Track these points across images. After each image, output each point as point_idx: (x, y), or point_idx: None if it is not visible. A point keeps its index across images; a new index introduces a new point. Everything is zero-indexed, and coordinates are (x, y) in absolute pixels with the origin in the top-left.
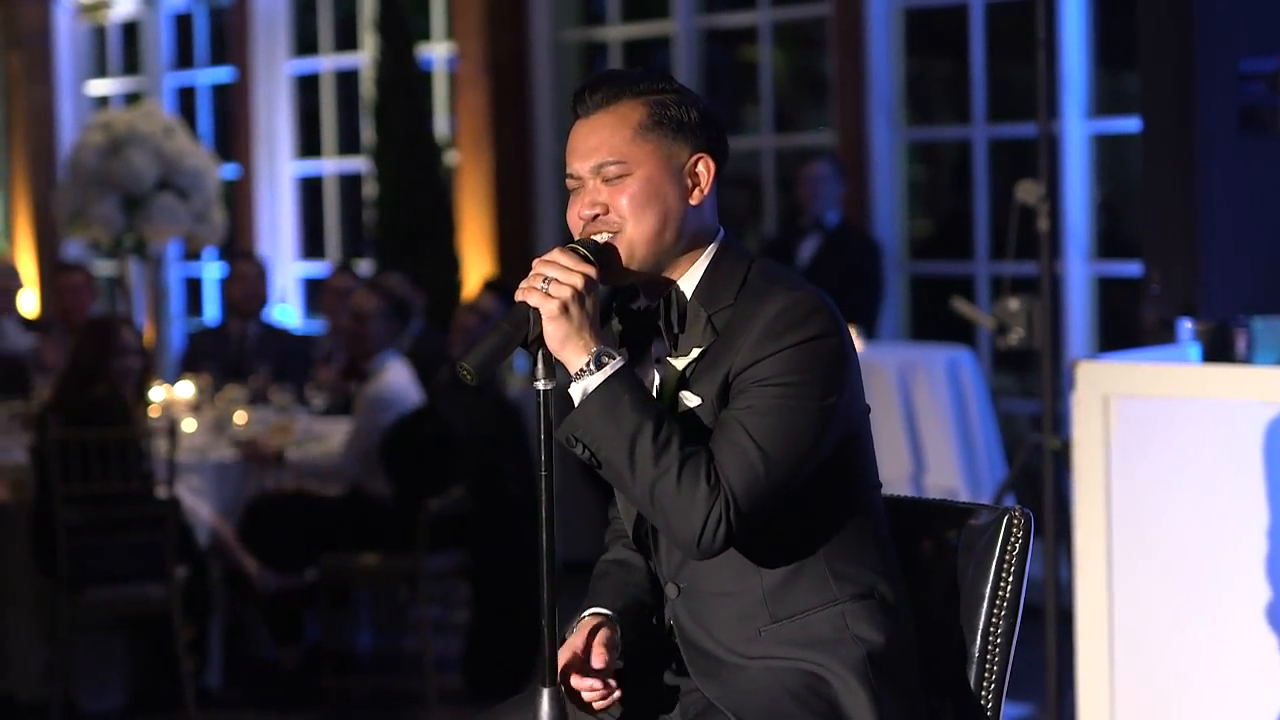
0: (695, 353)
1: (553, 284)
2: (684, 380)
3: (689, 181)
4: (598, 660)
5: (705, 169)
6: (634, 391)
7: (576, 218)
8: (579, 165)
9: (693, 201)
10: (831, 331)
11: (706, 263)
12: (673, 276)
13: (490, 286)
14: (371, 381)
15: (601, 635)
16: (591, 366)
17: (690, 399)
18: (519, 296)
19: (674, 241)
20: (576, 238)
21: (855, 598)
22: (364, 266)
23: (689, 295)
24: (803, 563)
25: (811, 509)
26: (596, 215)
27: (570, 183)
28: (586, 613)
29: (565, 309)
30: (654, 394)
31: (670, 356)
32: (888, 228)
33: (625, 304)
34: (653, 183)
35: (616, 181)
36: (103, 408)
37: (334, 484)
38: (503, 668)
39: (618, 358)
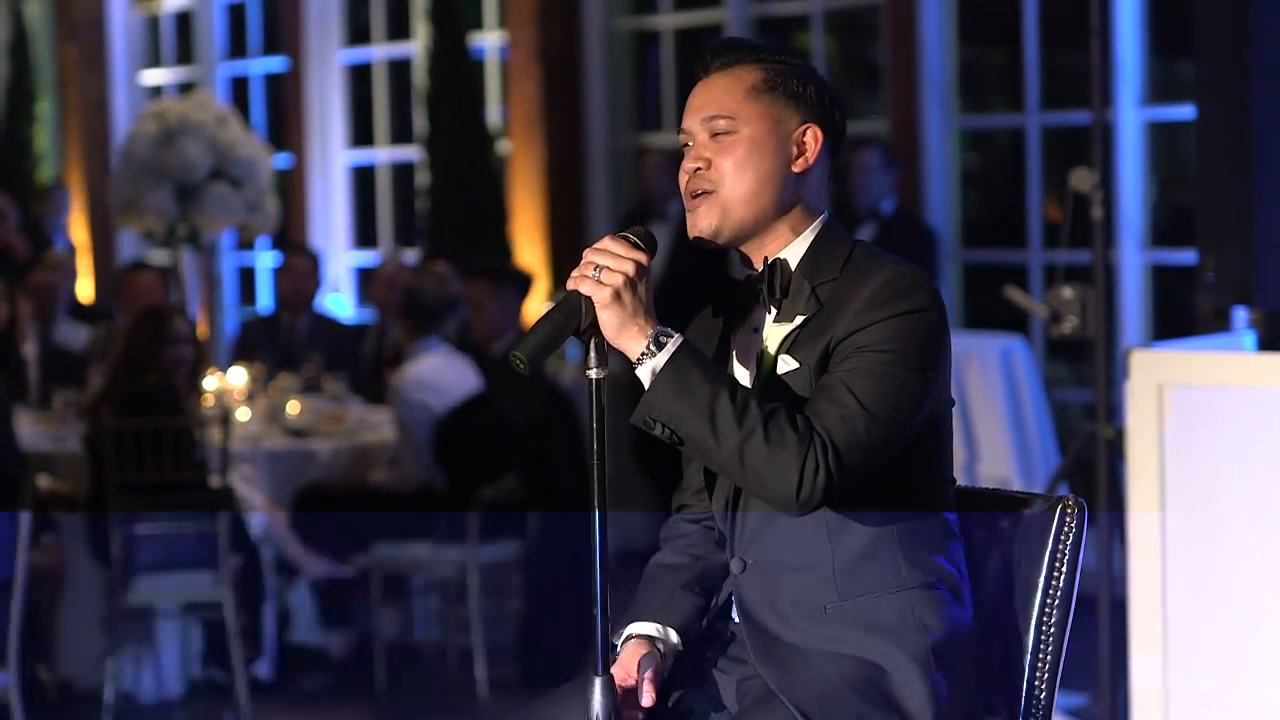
0: (799, 320)
1: (604, 272)
2: (786, 345)
3: (794, 149)
4: (647, 699)
5: (814, 139)
6: (701, 364)
7: (684, 172)
8: (690, 121)
9: (795, 169)
10: (934, 307)
11: (812, 238)
12: (775, 245)
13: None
14: (399, 371)
15: (650, 671)
16: (652, 348)
17: (789, 362)
18: (570, 285)
19: (772, 205)
20: (684, 190)
21: (924, 586)
22: (411, 255)
23: (793, 266)
24: (876, 543)
25: (890, 490)
26: (699, 169)
27: (683, 138)
28: (633, 629)
29: (617, 296)
30: (755, 359)
31: (773, 321)
32: (940, 216)
33: (726, 276)
34: (756, 143)
35: (723, 138)
36: (155, 396)
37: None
38: (555, 657)
39: (676, 335)
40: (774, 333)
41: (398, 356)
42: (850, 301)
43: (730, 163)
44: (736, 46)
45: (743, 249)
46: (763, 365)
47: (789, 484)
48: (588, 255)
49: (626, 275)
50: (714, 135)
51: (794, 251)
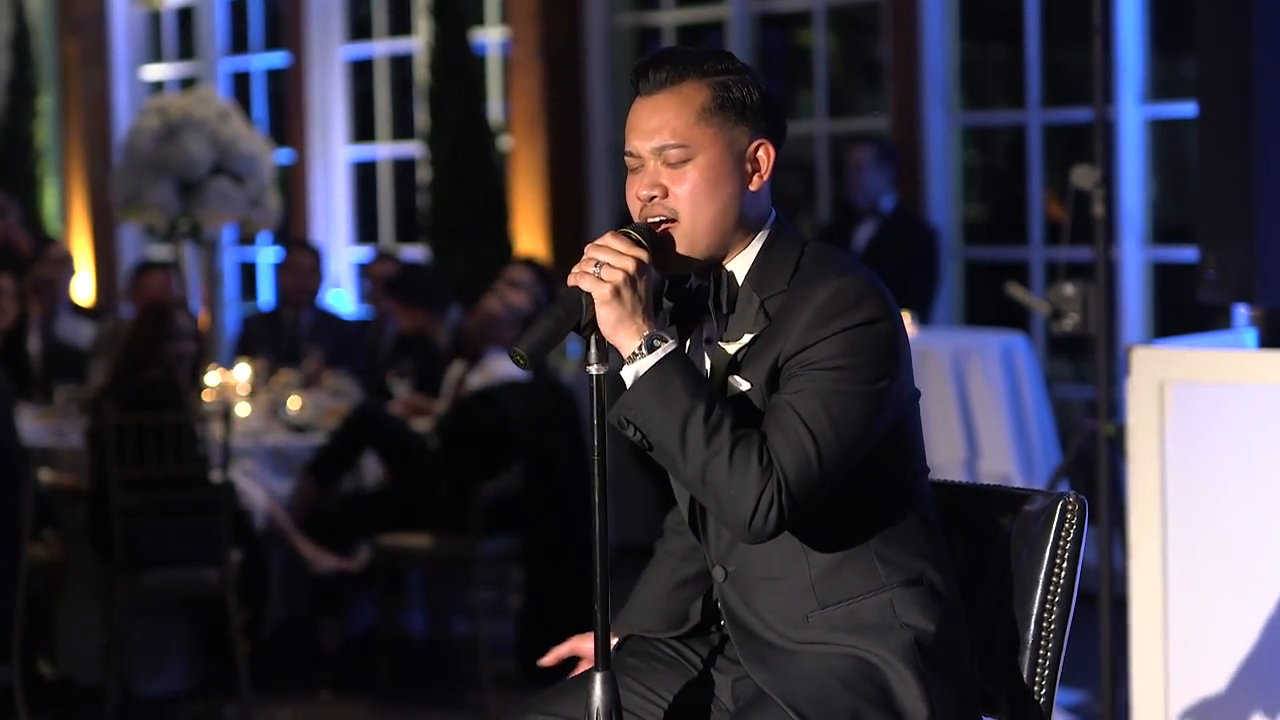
0: (747, 338)
1: (605, 268)
2: (735, 365)
3: (749, 167)
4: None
5: (766, 155)
6: (686, 374)
7: (635, 197)
8: (640, 144)
9: (752, 188)
10: (882, 316)
11: (759, 247)
12: (726, 259)
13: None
14: (475, 374)
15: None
16: (643, 350)
17: (741, 383)
18: (571, 281)
19: (733, 228)
20: (636, 217)
21: (903, 584)
22: (409, 252)
23: (741, 279)
24: (850, 549)
25: (859, 495)
26: (654, 197)
27: (630, 161)
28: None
29: (617, 293)
30: (707, 374)
31: (721, 341)
32: (942, 213)
33: (677, 284)
34: (714, 169)
35: (679, 166)
36: (156, 391)
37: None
38: None
39: (670, 341)
40: (723, 351)
41: (460, 347)
42: (797, 316)
43: (688, 192)
44: (677, 60)
45: None
46: (712, 384)
47: (743, 513)
48: (589, 251)
49: (627, 272)
50: (668, 163)
51: (742, 262)
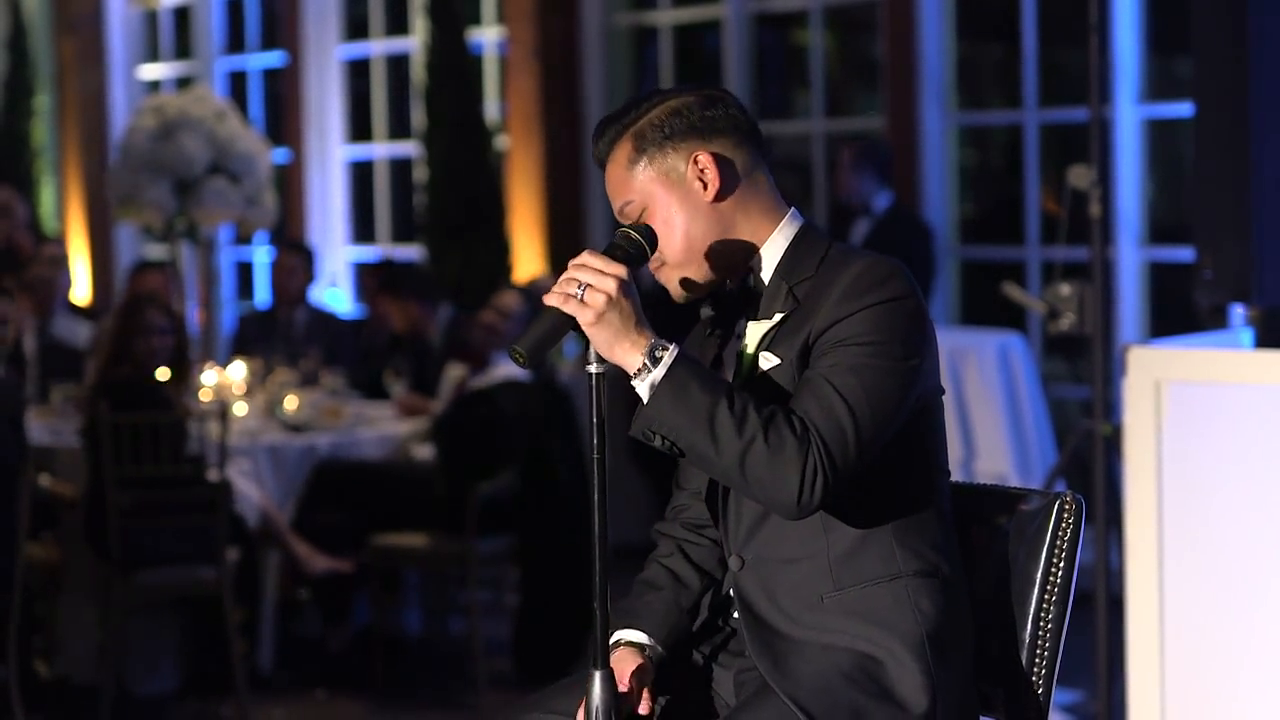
0: (777, 317)
1: (587, 290)
2: (764, 343)
3: (698, 184)
4: (644, 708)
5: (707, 162)
6: (699, 375)
7: None
8: (615, 209)
9: (709, 199)
10: (911, 294)
11: (788, 242)
12: (744, 257)
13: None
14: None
15: (649, 687)
16: (648, 364)
17: (770, 359)
18: (553, 304)
19: (713, 241)
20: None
21: (919, 574)
22: (405, 251)
23: (771, 270)
24: (870, 532)
25: (882, 479)
26: None
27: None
28: (629, 635)
29: (602, 316)
30: (736, 356)
31: (751, 320)
32: (938, 212)
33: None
34: (664, 209)
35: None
36: (130, 388)
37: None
38: (552, 651)
39: (671, 346)
40: (753, 330)
41: (463, 348)
42: (827, 295)
43: (659, 238)
44: (605, 126)
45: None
46: (743, 363)
47: (790, 491)
48: (571, 271)
49: (609, 294)
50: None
51: (771, 255)
